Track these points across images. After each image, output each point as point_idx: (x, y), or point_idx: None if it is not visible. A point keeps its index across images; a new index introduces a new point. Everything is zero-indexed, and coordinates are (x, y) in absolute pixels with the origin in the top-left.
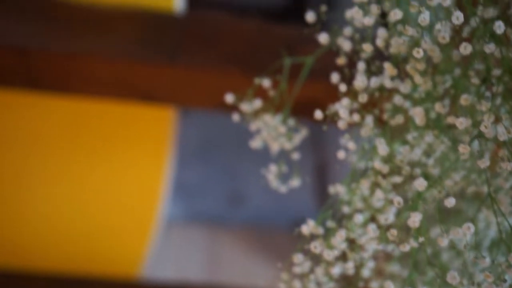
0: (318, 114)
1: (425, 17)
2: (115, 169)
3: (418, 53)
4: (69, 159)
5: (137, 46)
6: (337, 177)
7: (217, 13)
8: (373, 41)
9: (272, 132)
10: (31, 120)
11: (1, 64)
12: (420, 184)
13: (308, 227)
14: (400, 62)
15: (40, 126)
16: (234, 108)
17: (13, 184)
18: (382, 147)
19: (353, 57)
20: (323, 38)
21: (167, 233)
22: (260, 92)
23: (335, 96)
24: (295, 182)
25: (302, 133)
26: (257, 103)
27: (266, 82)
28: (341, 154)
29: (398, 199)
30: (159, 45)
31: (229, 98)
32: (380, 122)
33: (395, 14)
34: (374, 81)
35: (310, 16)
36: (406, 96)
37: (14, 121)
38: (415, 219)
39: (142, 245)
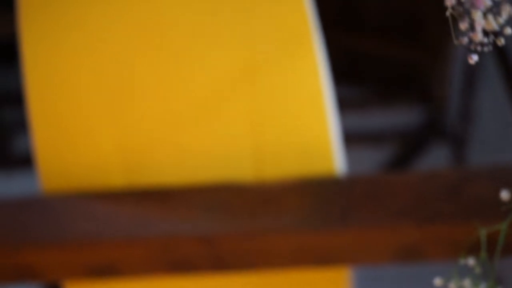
0: None
1: None
2: None
3: None
4: None
5: (308, 216)
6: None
7: (375, 171)
8: None
9: None
10: None
11: (188, 253)
12: None
13: None
14: None
15: None
16: (408, 258)
17: None
18: None
19: None
20: None
21: None
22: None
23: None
24: None
25: None
26: (466, 282)
27: (470, 261)
28: None
29: None
30: (328, 210)
31: (437, 282)
32: None
33: None
34: None
35: (504, 195)
36: None
37: None
38: None
39: None
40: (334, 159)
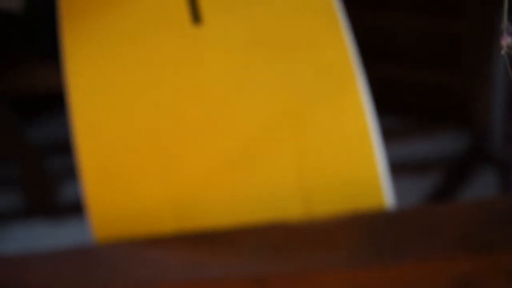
0: None
1: None
2: None
3: None
4: None
5: (360, 251)
6: None
7: (423, 202)
8: None
9: None
10: None
11: None
12: None
13: None
14: None
15: None
16: None
17: None
18: None
19: None
20: None
21: None
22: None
23: None
24: None
25: None
26: None
27: None
28: None
29: None
30: (380, 245)
31: None
32: None
33: None
34: None
35: None
36: None
37: None
38: None
39: None
40: (383, 192)
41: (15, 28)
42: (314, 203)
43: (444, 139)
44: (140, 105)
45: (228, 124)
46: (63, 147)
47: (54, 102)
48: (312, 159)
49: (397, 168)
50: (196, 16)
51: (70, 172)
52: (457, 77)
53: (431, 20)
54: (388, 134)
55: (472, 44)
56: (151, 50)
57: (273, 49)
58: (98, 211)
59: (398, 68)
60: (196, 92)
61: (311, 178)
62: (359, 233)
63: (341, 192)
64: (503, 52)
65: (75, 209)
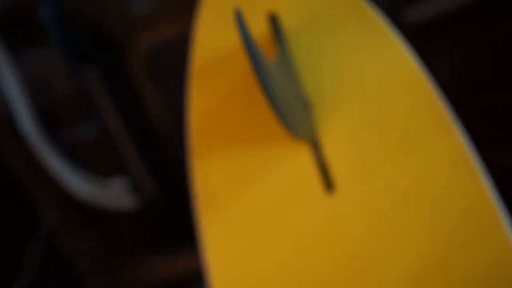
0: None
1: None
2: None
3: None
4: None
5: None
6: None
7: None
8: None
9: None
10: None
11: None
12: None
13: None
14: None
15: None
16: None
17: None
18: None
19: None
20: None
21: None
22: None
23: None
24: None
25: None
26: None
27: None
28: None
29: None
30: None
31: None
32: None
33: None
34: None
35: None
36: None
37: None
38: None
39: None
40: None
41: (128, 225)
42: None
43: None
44: (283, 278)
45: (375, 276)
46: None
47: None
48: None
49: None
50: (328, 184)
51: None
52: None
53: None
54: None
55: None
56: (287, 223)
57: (411, 204)
58: None
59: None
60: (337, 258)
61: None
62: None
63: None
64: None
65: None
